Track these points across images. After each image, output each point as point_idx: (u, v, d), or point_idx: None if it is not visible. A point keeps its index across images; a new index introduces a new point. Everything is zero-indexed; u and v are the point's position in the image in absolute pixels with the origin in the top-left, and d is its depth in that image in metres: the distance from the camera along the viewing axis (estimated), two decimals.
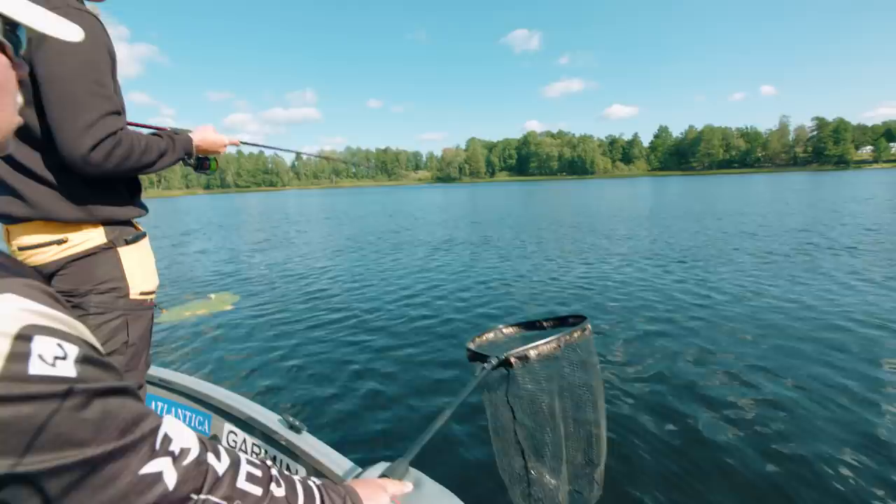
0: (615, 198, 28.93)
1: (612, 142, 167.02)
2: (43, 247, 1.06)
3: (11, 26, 0.40)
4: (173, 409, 1.77)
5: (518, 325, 1.26)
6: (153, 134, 1.18)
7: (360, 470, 1.20)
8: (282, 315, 5.19)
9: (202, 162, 1.40)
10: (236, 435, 1.52)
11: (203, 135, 1.31)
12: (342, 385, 3.31)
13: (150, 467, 0.35)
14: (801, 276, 6.09)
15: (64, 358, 0.30)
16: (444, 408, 0.89)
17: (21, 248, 1.06)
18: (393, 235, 13.01)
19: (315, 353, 3.97)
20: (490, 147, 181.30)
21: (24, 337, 0.29)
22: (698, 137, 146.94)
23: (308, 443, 1.30)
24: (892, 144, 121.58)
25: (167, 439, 0.38)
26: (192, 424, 1.69)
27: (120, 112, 1.05)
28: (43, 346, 0.30)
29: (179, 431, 0.41)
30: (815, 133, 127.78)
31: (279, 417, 1.40)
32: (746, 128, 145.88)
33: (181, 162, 1.32)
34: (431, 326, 4.66)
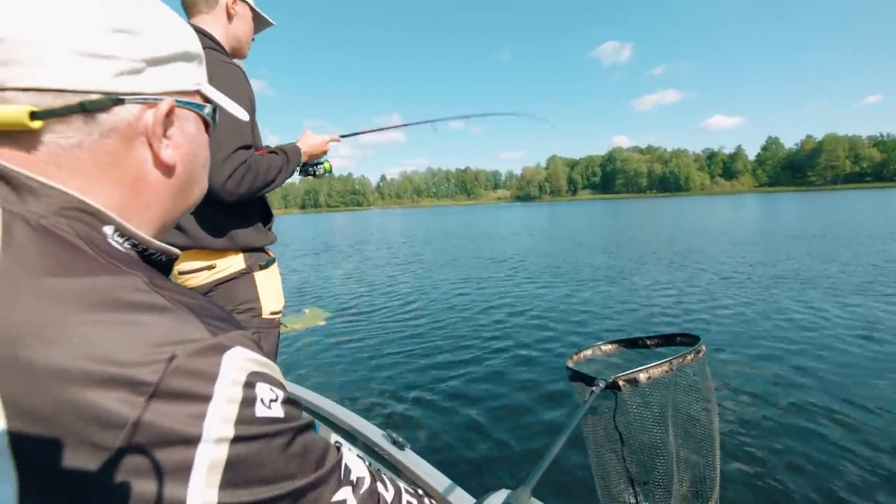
0: (717, 217, 26.35)
1: (711, 156, 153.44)
2: (197, 272, 1.25)
3: (213, 111, 0.50)
4: None
5: (619, 342, 1.19)
6: (270, 152, 1.32)
7: (459, 489, 1.20)
8: (374, 331, 5.34)
9: (317, 167, 1.53)
10: (341, 446, 1.58)
11: (306, 141, 1.44)
12: (438, 403, 3.32)
13: (338, 496, 0.39)
14: None
15: (276, 400, 0.35)
16: (556, 434, 0.86)
17: (180, 273, 1.26)
18: (478, 255, 13.11)
19: (410, 369, 4.03)
20: (572, 165, 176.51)
21: (250, 384, 0.34)
22: (818, 148, 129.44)
23: (411, 460, 1.31)
24: None
25: (348, 469, 0.43)
26: None
27: (249, 146, 1.20)
28: (263, 391, 0.34)
29: (355, 462, 0.46)
30: None
31: (383, 433, 1.42)
32: (882, 135, 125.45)
33: (301, 173, 1.47)
34: (526, 343, 4.57)
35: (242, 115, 0.54)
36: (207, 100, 0.49)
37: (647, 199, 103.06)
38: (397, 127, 1.91)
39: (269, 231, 1.40)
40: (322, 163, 1.53)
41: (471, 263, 11.02)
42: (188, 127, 0.46)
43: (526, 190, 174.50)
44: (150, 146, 0.41)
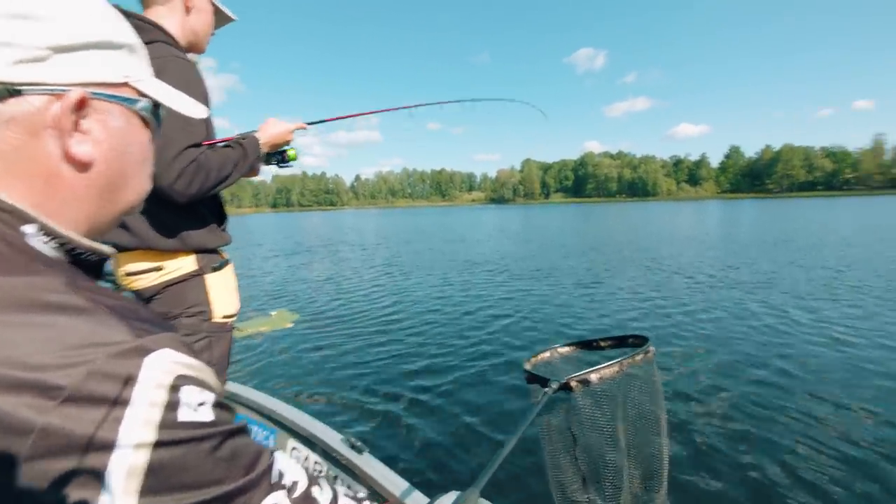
0: (682, 223, 27.37)
1: (678, 162, 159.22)
2: (144, 273, 1.19)
3: (156, 107, 0.47)
4: None
5: (574, 344, 1.23)
6: (224, 146, 1.23)
7: (416, 492, 1.20)
8: (340, 335, 5.27)
9: (281, 155, 1.41)
10: (299, 451, 1.55)
11: (267, 130, 1.33)
12: (400, 407, 3.31)
13: (268, 500, 0.38)
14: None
15: (204, 404, 0.34)
16: (509, 435, 0.87)
17: (127, 274, 1.20)
18: (450, 257, 13.14)
19: (373, 374, 4.00)
20: (546, 168, 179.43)
21: (175, 388, 0.33)
22: (775, 158, 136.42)
23: (369, 464, 1.31)
24: None
25: (281, 474, 0.42)
26: (258, 439, 1.75)
27: (199, 144, 1.14)
28: (189, 395, 0.34)
29: (289, 466, 0.45)
30: None
31: (342, 437, 1.43)
32: (833, 147, 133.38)
33: (265, 163, 1.38)
34: (489, 347, 4.62)
35: (196, 111, 0.50)
36: (144, 94, 0.45)
37: (618, 204, 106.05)
38: (372, 112, 1.71)
39: (222, 232, 1.34)
40: (285, 150, 1.41)
41: (443, 267, 11.04)
42: (112, 121, 0.42)
43: (500, 192, 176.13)
44: (61, 140, 0.38)
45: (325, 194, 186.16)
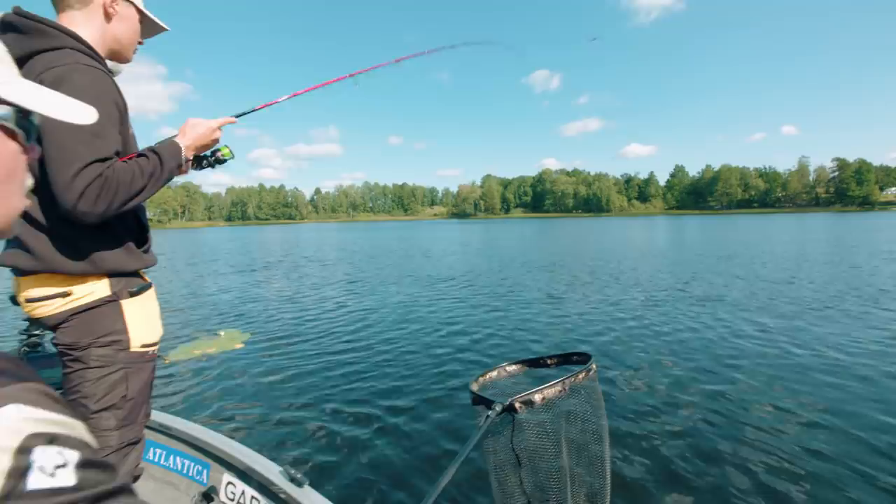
0: (633, 236, 28.69)
1: (628, 180, 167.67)
2: (48, 299, 1.07)
3: (24, 113, 0.41)
4: (172, 457, 1.71)
5: (521, 362, 1.24)
6: (139, 156, 1.10)
7: None
8: (292, 357, 5.04)
9: (213, 156, 1.29)
10: (234, 486, 1.46)
11: (189, 133, 1.20)
12: (349, 434, 3.16)
13: None
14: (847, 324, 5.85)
15: (64, 466, 0.30)
16: (450, 462, 0.85)
17: (28, 301, 1.08)
18: (410, 273, 13.03)
19: (322, 398, 3.83)
20: (505, 184, 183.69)
21: (25, 450, 0.28)
22: (715, 177, 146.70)
23: (309, 497, 1.25)
24: None
25: None
26: (191, 474, 1.64)
27: (106, 158, 1.02)
28: (43, 457, 0.29)
29: None
30: (836, 174, 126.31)
31: (280, 469, 1.35)
32: (765, 168, 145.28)
33: (197, 168, 1.27)
34: (444, 366, 4.56)
35: (80, 116, 0.44)
36: (2, 101, 0.39)
37: (574, 219, 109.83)
38: (310, 89, 1.53)
39: (144, 253, 1.22)
40: (218, 150, 1.29)
41: (405, 283, 10.95)
42: None
43: (462, 207, 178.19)
44: None
45: (283, 208, 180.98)
